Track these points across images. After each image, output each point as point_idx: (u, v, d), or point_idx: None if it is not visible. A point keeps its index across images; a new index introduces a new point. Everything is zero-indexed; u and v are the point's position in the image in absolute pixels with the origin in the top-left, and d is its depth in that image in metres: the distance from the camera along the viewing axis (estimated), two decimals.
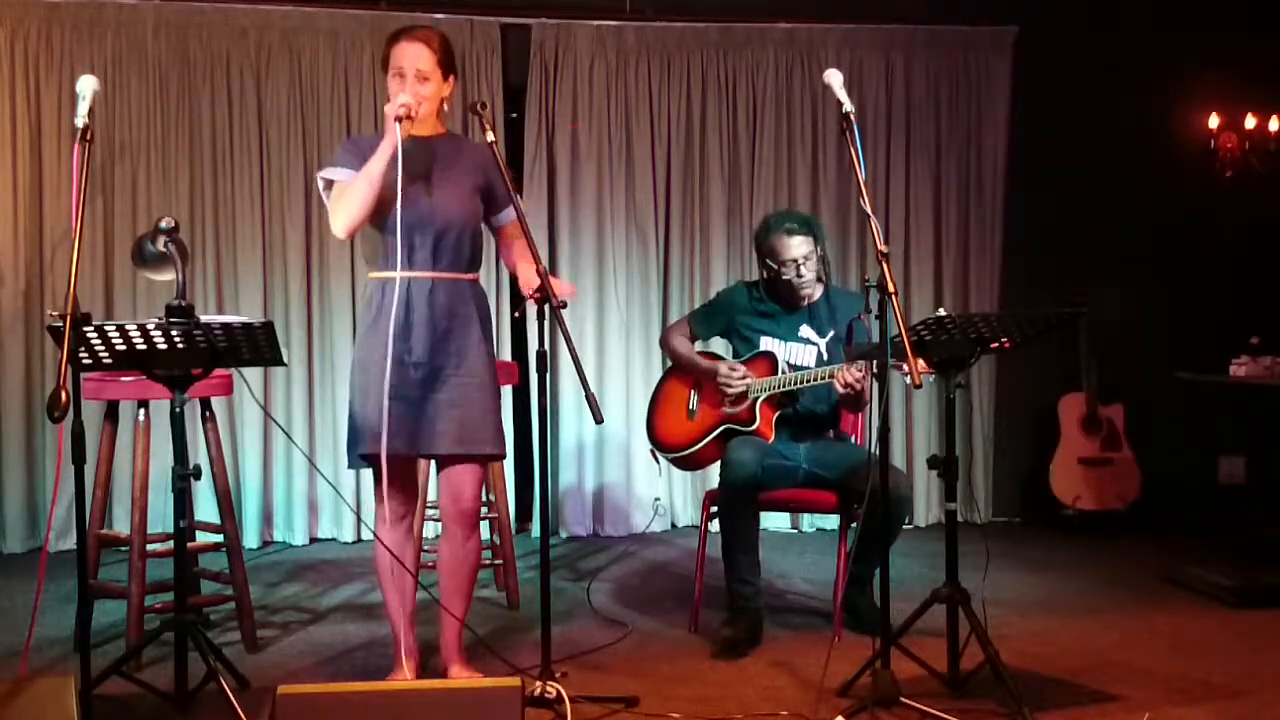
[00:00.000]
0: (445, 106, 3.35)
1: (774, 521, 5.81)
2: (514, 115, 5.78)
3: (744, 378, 4.00)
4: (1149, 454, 5.76)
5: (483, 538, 4.92)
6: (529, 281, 3.25)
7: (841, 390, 3.78)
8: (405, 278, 3.21)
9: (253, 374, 5.07)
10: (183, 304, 3.08)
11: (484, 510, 4.58)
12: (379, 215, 3.22)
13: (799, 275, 4.01)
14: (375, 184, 3.15)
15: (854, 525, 3.72)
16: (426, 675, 3.44)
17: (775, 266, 4.03)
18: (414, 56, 3.23)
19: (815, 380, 3.88)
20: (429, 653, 3.59)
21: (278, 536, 5.60)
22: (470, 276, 3.34)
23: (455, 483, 3.33)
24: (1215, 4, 5.72)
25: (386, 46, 3.30)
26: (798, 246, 4.00)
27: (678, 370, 4.24)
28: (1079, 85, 5.88)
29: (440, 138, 3.35)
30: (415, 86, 3.22)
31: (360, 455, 3.31)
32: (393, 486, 3.29)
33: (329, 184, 3.29)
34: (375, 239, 3.29)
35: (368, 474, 3.41)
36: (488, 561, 4.64)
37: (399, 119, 3.12)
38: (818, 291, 4.10)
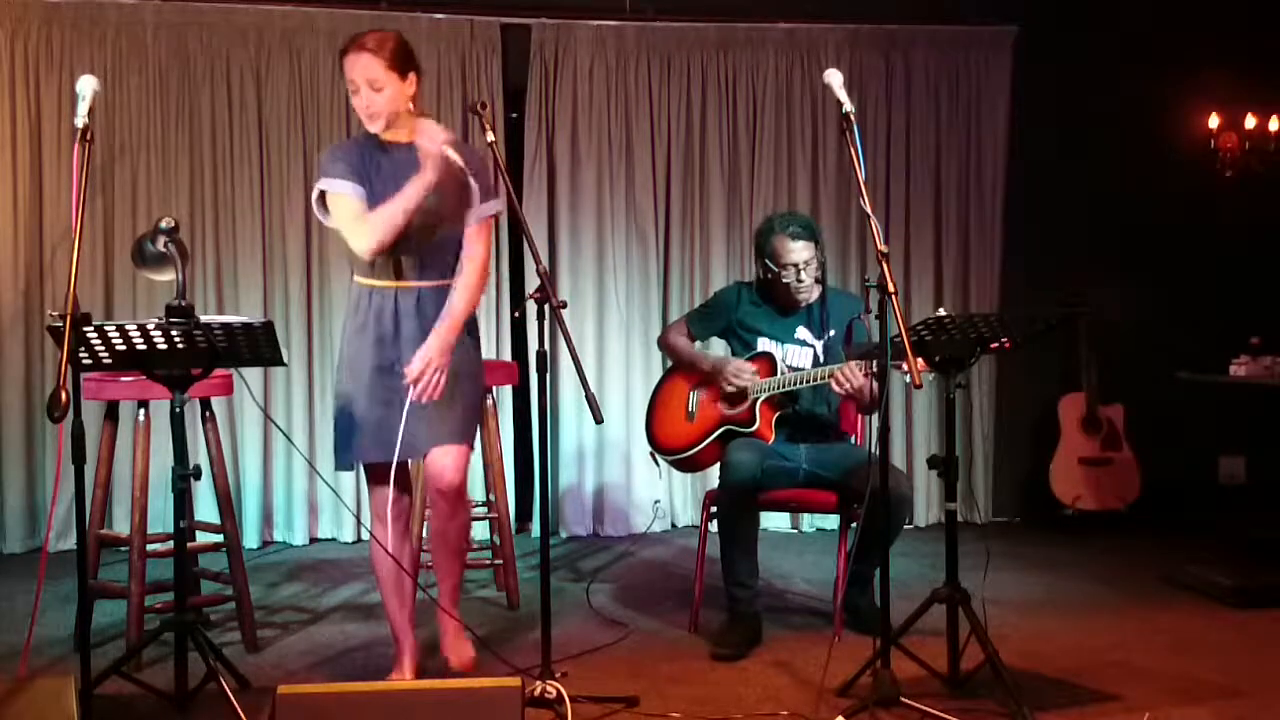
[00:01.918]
0: (412, 106, 3.29)
1: (774, 521, 5.80)
2: (514, 115, 5.78)
3: (755, 372, 3.99)
4: (1149, 454, 5.76)
5: (483, 538, 4.96)
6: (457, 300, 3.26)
7: (838, 391, 3.77)
8: (392, 288, 3.26)
9: (253, 374, 5.06)
10: (183, 304, 3.08)
11: (484, 510, 4.60)
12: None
13: (798, 280, 4.01)
14: (412, 213, 3.16)
15: (854, 525, 3.72)
16: (426, 675, 3.44)
17: (775, 269, 4.02)
18: (362, 68, 3.21)
19: (814, 380, 3.88)
20: (429, 652, 3.59)
21: (278, 536, 5.60)
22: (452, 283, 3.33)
23: (435, 464, 3.28)
24: (1215, 4, 5.73)
25: (339, 60, 3.26)
26: (799, 251, 3.99)
27: (677, 369, 4.24)
28: (1079, 85, 5.88)
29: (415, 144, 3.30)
30: (370, 96, 3.21)
31: (353, 460, 3.33)
32: (386, 487, 3.35)
33: (322, 194, 3.28)
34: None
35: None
36: (488, 561, 4.65)
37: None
38: (814, 294, 4.10)
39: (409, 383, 3.19)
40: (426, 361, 3.18)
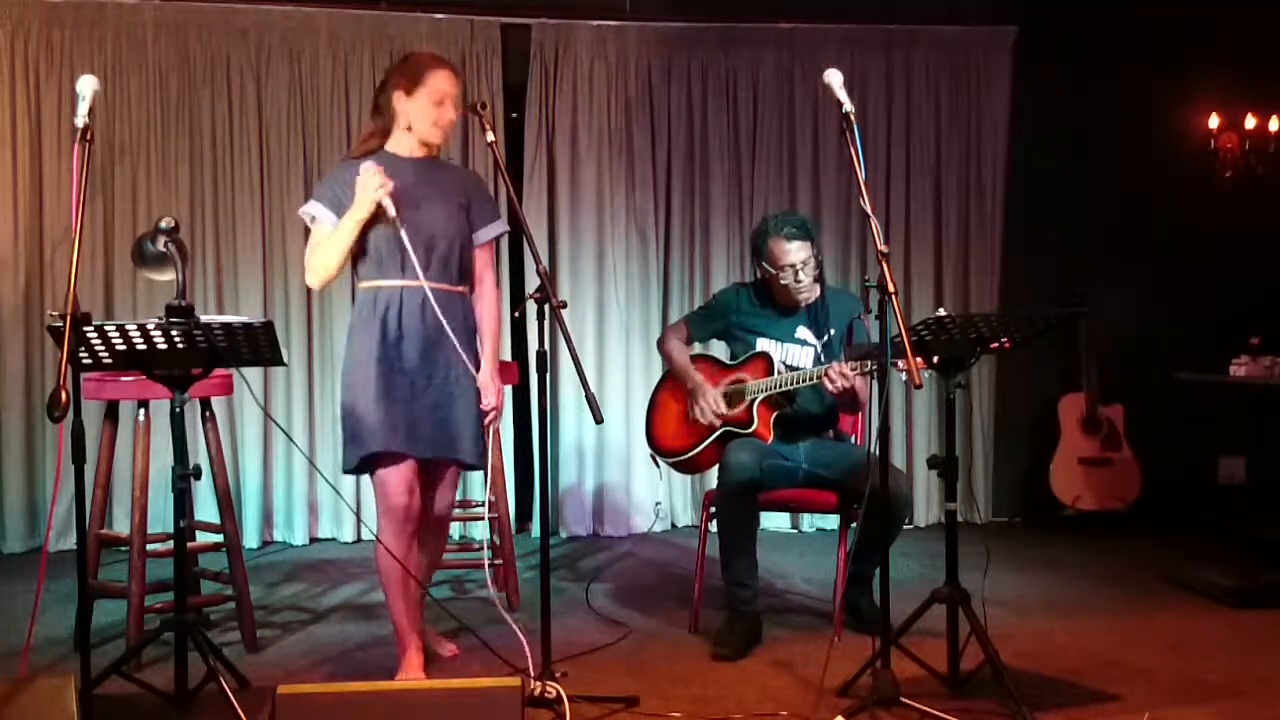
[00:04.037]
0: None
1: (774, 521, 5.81)
2: (514, 115, 5.78)
3: (717, 415, 3.99)
4: (1149, 454, 5.76)
5: (483, 537, 4.96)
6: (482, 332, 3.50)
7: (829, 389, 3.77)
8: (398, 287, 3.32)
9: (253, 374, 5.07)
10: (183, 304, 3.09)
11: (484, 510, 4.60)
12: (370, 228, 3.32)
13: (797, 280, 4.00)
14: (345, 248, 3.31)
15: (854, 525, 3.72)
16: (429, 674, 3.45)
17: (773, 271, 4.02)
18: (451, 84, 3.39)
19: (810, 380, 3.88)
20: (432, 652, 3.60)
21: (278, 536, 5.60)
22: (460, 289, 3.44)
23: (438, 486, 3.50)
24: (1215, 4, 5.72)
25: (421, 70, 3.38)
26: (796, 252, 3.97)
27: (674, 375, 4.24)
28: (1079, 85, 5.88)
29: (425, 159, 3.45)
30: (450, 112, 3.39)
31: (363, 457, 3.33)
32: (395, 482, 3.34)
33: (312, 217, 3.42)
34: (367, 248, 3.36)
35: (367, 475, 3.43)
36: (488, 561, 4.64)
37: (380, 199, 3.26)
38: (814, 293, 4.09)
39: (487, 413, 3.43)
40: (486, 385, 3.42)
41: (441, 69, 3.39)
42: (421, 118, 3.36)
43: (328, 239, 3.32)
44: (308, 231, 5.57)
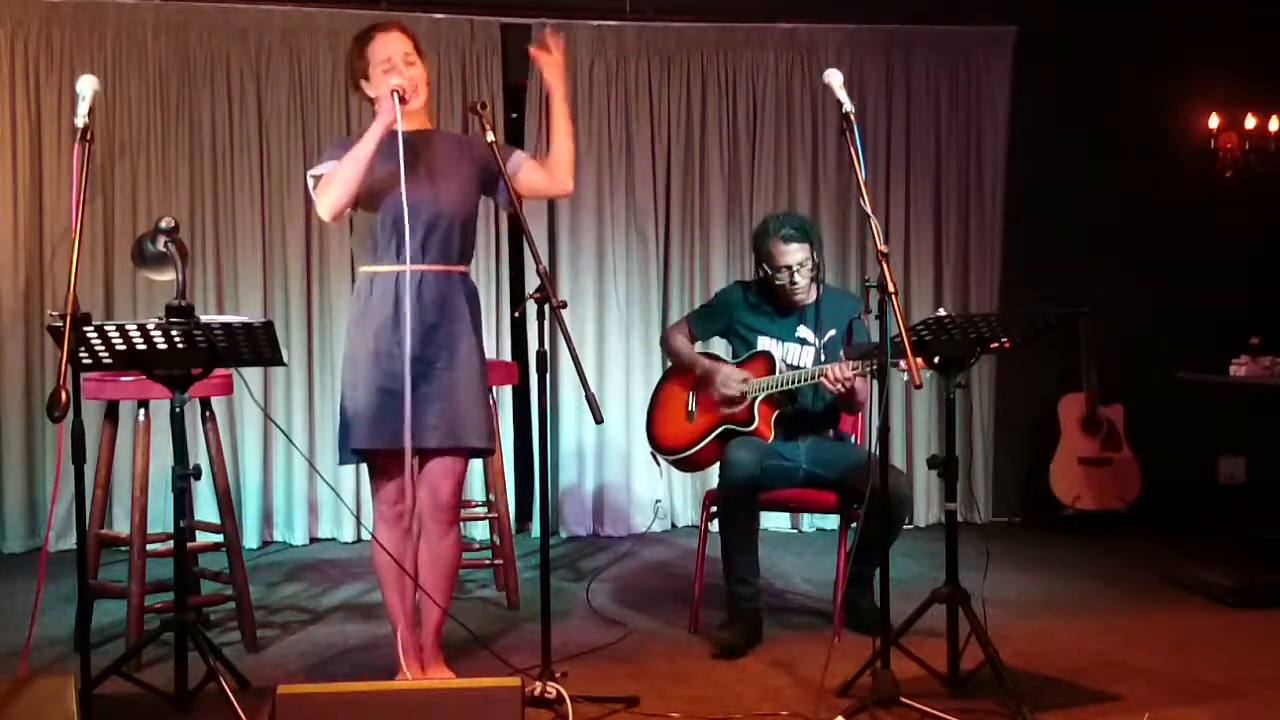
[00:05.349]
0: (426, 95, 3.38)
1: (774, 521, 5.80)
2: (514, 115, 5.78)
3: (744, 380, 4.00)
4: (1149, 454, 5.76)
5: (483, 538, 4.95)
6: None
7: (830, 387, 3.77)
8: (393, 271, 3.24)
9: (253, 374, 5.06)
10: (183, 304, 3.09)
11: (484, 510, 4.60)
12: (367, 207, 3.26)
13: (793, 281, 4.00)
14: (363, 165, 3.17)
15: (854, 525, 3.72)
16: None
17: (770, 271, 4.03)
18: (397, 43, 3.31)
19: (810, 380, 3.88)
20: None
21: (278, 536, 5.60)
22: (459, 269, 3.34)
23: (433, 477, 3.32)
24: (1215, 4, 5.72)
25: (360, 46, 3.34)
26: (794, 253, 3.98)
27: (677, 370, 4.24)
28: (1079, 85, 5.88)
29: (429, 132, 3.38)
30: (407, 70, 3.27)
31: (351, 450, 3.31)
32: (389, 482, 3.31)
33: (318, 179, 3.29)
34: (363, 231, 3.31)
35: (366, 473, 3.41)
36: (488, 561, 4.65)
37: (395, 91, 3.17)
38: (813, 294, 4.09)
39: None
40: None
41: (377, 34, 3.30)
42: (379, 89, 3.26)
43: (343, 162, 3.19)
44: (308, 228, 5.60)
